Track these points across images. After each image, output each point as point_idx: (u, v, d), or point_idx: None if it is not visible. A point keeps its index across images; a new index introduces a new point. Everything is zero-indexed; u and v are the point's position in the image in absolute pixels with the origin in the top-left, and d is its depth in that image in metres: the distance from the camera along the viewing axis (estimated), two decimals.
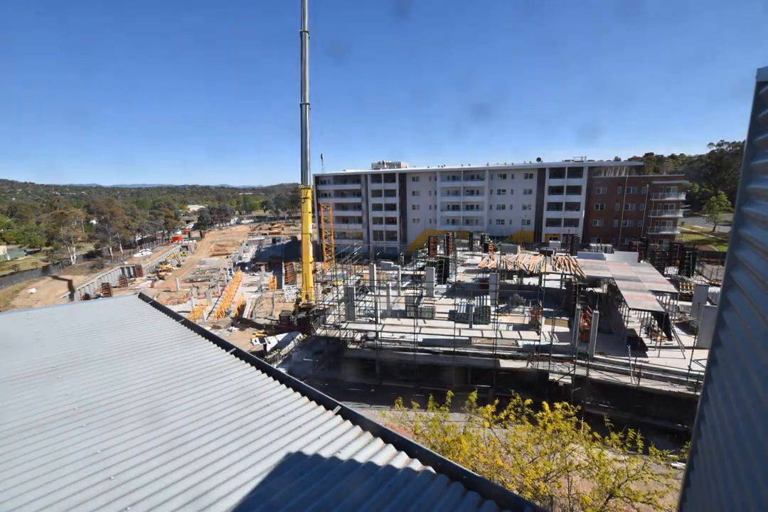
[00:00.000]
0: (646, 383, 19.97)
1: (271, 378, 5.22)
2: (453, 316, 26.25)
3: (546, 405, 12.50)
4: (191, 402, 4.48)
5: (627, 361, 21.09)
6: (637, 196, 58.09)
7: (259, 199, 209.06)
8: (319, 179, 76.27)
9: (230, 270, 68.76)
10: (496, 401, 12.92)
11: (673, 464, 11.83)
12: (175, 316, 7.63)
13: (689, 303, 28.95)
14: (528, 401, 12.51)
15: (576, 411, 12.32)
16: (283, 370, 7.50)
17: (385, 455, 3.70)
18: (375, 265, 36.65)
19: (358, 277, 38.47)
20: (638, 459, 10.97)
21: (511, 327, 25.99)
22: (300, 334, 34.64)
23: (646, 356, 21.81)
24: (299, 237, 37.17)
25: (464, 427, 12.55)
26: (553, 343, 22.18)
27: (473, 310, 26.47)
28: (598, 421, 12.99)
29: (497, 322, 25.04)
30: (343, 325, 27.20)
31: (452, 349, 24.03)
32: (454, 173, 68.16)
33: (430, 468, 3.55)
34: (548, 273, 31.85)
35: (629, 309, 22.90)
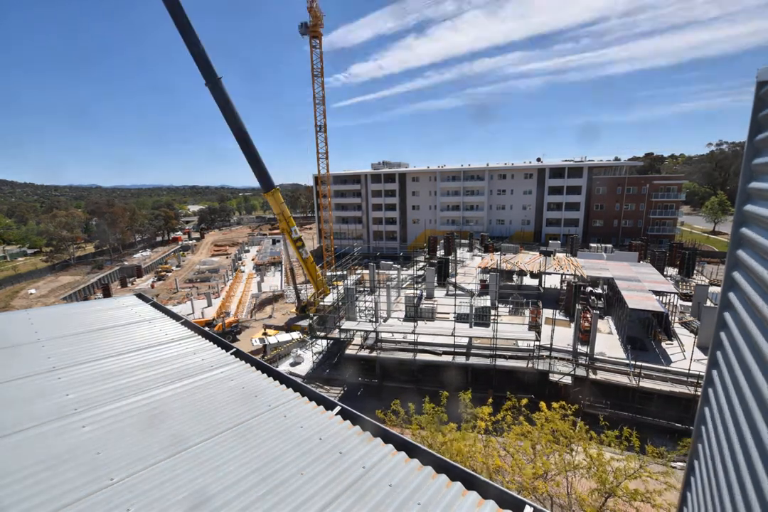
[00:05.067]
0: (646, 383, 19.97)
1: (271, 379, 5.21)
2: (458, 318, 26.21)
3: (543, 404, 12.50)
4: (191, 404, 4.48)
5: (627, 361, 21.08)
6: (637, 196, 58.11)
7: (260, 199, 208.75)
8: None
9: (231, 271, 68.74)
10: (490, 400, 12.92)
11: (672, 464, 11.82)
12: (175, 317, 7.62)
13: (689, 304, 28.98)
14: (524, 401, 12.51)
15: (573, 410, 12.32)
16: (283, 371, 7.48)
17: (386, 455, 3.69)
18: (375, 266, 36.65)
19: (357, 278, 38.44)
20: (636, 458, 11.02)
21: (511, 328, 25.96)
22: (300, 334, 34.64)
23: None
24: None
25: (461, 428, 12.55)
26: (553, 344, 22.17)
27: (473, 311, 26.48)
28: (598, 422, 12.99)
29: (497, 323, 25.02)
30: (344, 326, 27.19)
31: (452, 350, 24.03)
32: (454, 173, 68.19)
33: (430, 468, 3.54)
34: (548, 274, 31.85)
35: (629, 309, 22.87)
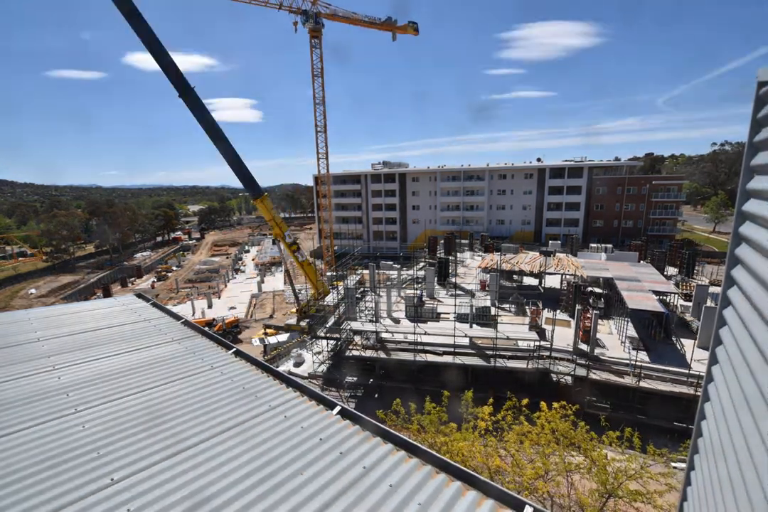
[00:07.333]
0: (646, 383, 19.96)
1: (271, 379, 5.21)
2: (458, 318, 26.22)
3: (544, 405, 12.46)
4: (191, 404, 4.47)
5: (627, 361, 21.07)
6: (637, 196, 58.10)
7: None
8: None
9: (232, 271, 68.72)
10: (491, 400, 12.87)
11: (673, 464, 11.80)
12: (175, 316, 7.63)
13: (689, 304, 28.98)
14: (525, 401, 12.48)
15: (574, 411, 12.28)
16: (284, 371, 7.49)
17: (386, 454, 3.69)
18: (375, 266, 36.66)
19: (357, 278, 38.45)
20: (637, 458, 10.96)
21: (511, 328, 25.97)
22: (300, 335, 34.62)
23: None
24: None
25: (461, 427, 12.53)
26: (554, 343, 22.16)
27: (474, 311, 26.48)
28: (598, 422, 12.98)
29: (498, 322, 25.03)
30: (348, 326, 27.19)
31: (452, 350, 24.02)
32: (454, 173, 68.18)
33: (430, 468, 3.55)
34: (548, 274, 31.87)
35: (629, 309, 22.87)
